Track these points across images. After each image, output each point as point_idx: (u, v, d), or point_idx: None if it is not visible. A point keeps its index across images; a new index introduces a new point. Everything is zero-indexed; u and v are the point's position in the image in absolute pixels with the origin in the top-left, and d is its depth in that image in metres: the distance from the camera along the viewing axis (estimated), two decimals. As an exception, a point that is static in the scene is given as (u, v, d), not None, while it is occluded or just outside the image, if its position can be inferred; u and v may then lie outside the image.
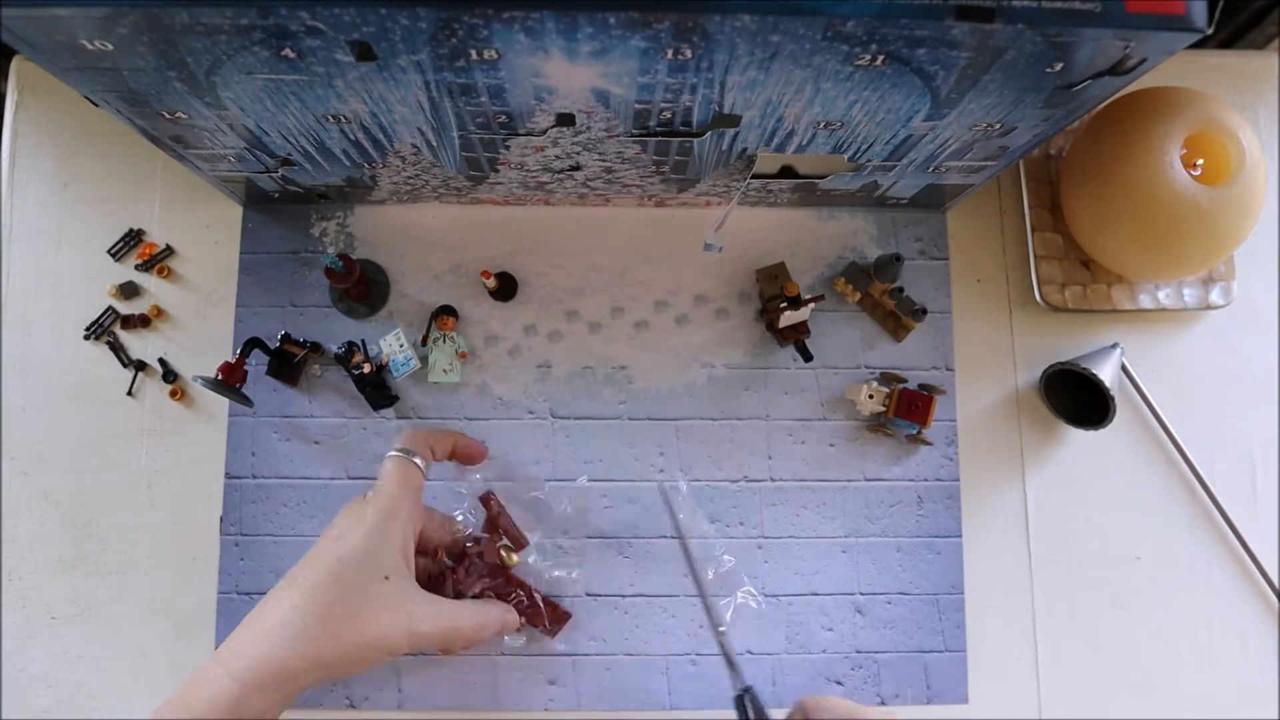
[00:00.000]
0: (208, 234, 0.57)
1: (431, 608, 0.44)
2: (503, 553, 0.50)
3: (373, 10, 0.31)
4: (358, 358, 0.54)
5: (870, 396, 0.54)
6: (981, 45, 0.34)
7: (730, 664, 0.48)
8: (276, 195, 0.55)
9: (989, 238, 0.59)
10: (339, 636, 0.41)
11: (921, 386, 0.54)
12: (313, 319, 0.56)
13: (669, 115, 0.41)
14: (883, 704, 0.53)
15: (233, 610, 0.53)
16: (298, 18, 0.31)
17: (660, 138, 0.43)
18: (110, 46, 0.34)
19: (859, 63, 0.35)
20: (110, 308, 0.56)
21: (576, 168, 0.49)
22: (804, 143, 0.44)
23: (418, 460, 0.47)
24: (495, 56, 0.35)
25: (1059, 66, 0.35)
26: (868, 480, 0.56)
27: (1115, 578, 0.56)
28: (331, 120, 0.42)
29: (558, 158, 0.47)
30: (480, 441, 0.53)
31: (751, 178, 0.50)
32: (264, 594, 0.52)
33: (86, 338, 0.56)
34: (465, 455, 0.51)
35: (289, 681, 0.40)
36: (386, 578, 0.43)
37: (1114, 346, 0.56)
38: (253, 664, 0.39)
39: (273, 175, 0.50)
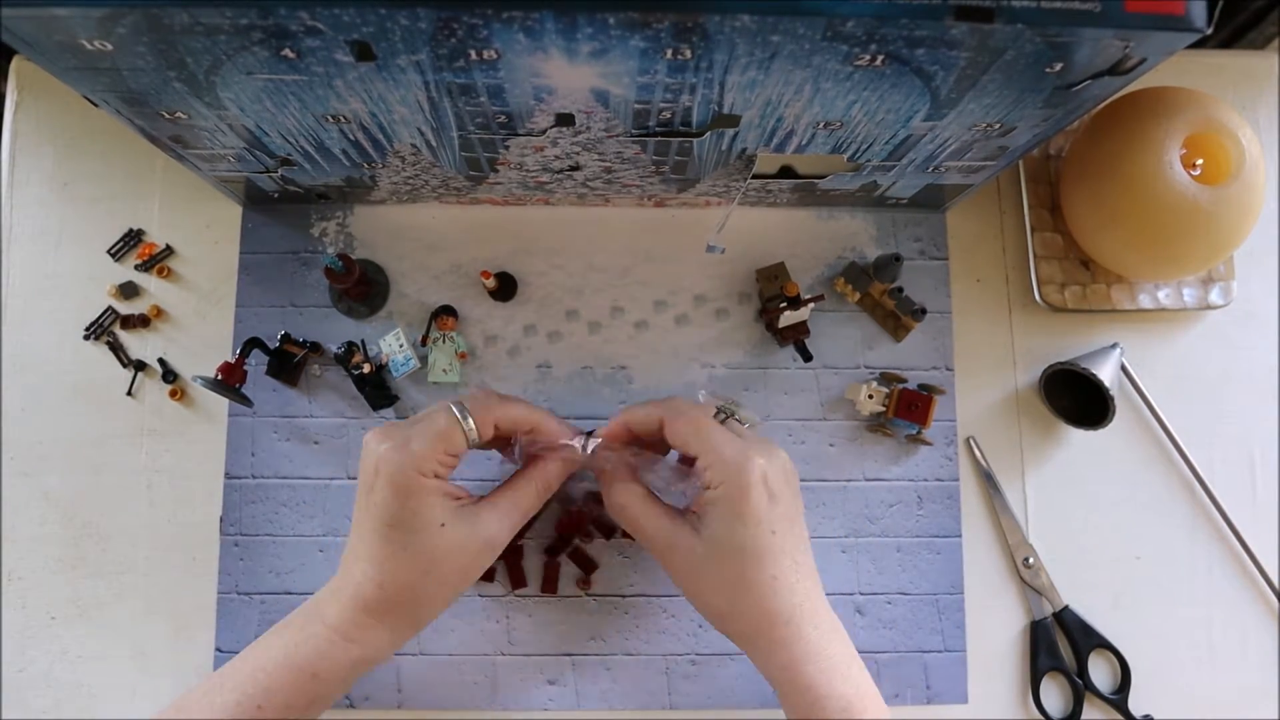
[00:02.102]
0: (208, 234, 0.57)
1: (495, 515, 0.45)
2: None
3: (372, 10, 0.31)
4: (357, 358, 0.54)
5: (870, 396, 0.54)
6: (981, 45, 0.34)
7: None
8: (276, 195, 0.55)
9: (989, 238, 0.59)
10: (433, 599, 0.43)
11: (921, 386, 0.54)
12: (312, 319, 0.56)
13: (669, 115, 0.41)
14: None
15: (233, 610, 0.53)
16: (297, 18, 0.31)
17: (660, 138, 0.43)
18: (110, 46, 0.34)
19: (859, 63, 0.35)
20: (110, 308, 0.56)
21: (576, 168, 0.49)
22: (804, 143, 0.44)
23: (471, 426, 0.43)
24: (494, 56, 0.35)
25: (1059, 66, 0.35)
26: (867, 480, 0.56)
27: (1115, 577, 0.56)
28: (331, 120, 0.42)
29: (557, 158, 0.47)
30: (567, 426, 0.48)
31: (751, 178, 0.50)
32: (264, 594, 0.54)
33: (86, 338, 0.56)
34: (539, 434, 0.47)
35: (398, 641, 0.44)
36: (443, 525, 0.42)
37: (1114, 346, 0.56)
38: (366, 645, 0.42)
39: (272, 175, 0.50)
